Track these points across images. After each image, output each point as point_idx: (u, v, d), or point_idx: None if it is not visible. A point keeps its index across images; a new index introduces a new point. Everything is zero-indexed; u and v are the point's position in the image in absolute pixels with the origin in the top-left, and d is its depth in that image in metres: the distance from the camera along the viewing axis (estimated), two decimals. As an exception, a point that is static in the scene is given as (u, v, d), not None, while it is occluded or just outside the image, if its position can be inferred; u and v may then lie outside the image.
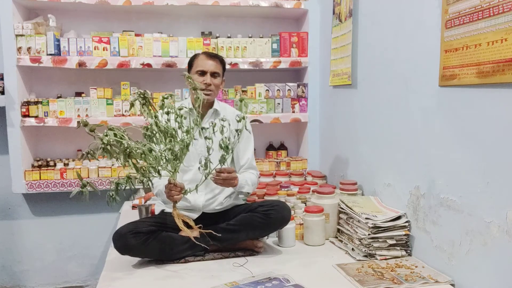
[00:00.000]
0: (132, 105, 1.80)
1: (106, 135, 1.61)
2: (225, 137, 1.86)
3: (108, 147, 1.60)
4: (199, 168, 1.87)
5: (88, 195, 1.68)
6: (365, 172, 2.45)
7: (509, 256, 1.42)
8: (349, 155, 2.66)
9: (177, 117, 1.79)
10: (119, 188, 1.69)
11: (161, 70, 3.00)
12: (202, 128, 1.88)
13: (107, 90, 2.92)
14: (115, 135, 1.62)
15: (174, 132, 1.76)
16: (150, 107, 1.78)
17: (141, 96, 1.76)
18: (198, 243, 1.88)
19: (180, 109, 1.80)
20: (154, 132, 1.73)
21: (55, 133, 3.05)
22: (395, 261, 1.89)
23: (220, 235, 1.91)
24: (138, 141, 1.72)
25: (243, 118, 1.91)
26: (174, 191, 1.83)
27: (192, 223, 1.85)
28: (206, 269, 1.88)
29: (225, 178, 1.97)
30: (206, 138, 1.84)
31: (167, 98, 1.80)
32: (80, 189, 1.67)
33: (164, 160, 1.74)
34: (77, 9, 2.98)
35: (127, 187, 1.72)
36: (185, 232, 1.83)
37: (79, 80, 3.07)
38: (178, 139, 1.77)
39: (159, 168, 1.75)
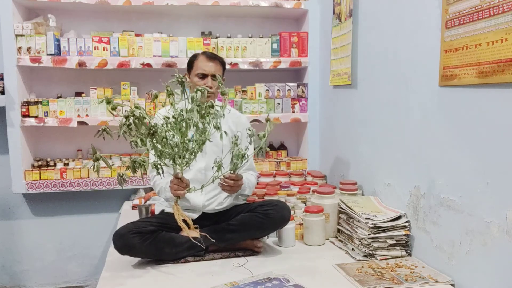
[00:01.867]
0: (156, 96, 1.78)
1: (133, 113, 1.60)
2: (244, 147, 1.86)
3: (133, 124, 1.60)
4: (212, 167, 1.87)
5: (99, 170, 1.67)
6: (365, 172, 2.45)
7: (509, 256, 1.42)
8: (349, 155, 2.66)
9: (207, 115, 1.77)
10: (135, 166, 1.67)
11: (161, 70, 3.00)
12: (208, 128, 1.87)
13: (107, 90, 2.92)
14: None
15: (198, 126, 1.75)
16: (184, 94, 1.76)
17: (178, 80, 1.74)
18: (197, 242, 1.87)
19: (211, 107, 1.78)
20: (180, 120, 1.71)
21: (55, 133, 3.05)
22: (395, 261, 1.89)
23: (214, 240, 1.91)
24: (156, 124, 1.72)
25: (264, 136, 1.87)
26: (179, 185, 1.83)
27: (190, 222, 1.85)
28: (206, 269, 1.89)
29: (232, 186, 1.96)
30: (236, 144, 1.85)
31: (201, 90, 1.78)
32: (93, 162, 1.66)
33: (182, 150, 1.73)
34: (77, 9, 2.98)
35: (135, 175, 1.71)
36: (185, 231, 1.83)
37: (79, 80, 3.07)
38: (197, 135, 1.76)
39: (175, 156, 1.74)
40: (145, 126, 1.63)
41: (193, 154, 1.77)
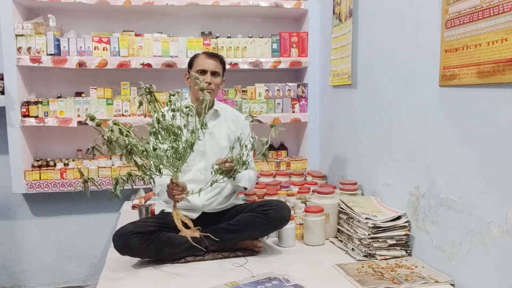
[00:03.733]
0: (141, 103, 1.77)
1: (111, 130, 1.60)
2: (244, 151, 1.86)
3: (111, 142, 1.59)
4: (211, 172, 1.87)
5: (89, 191, 1.67)
6: (365, 172, 2.45)
7: (509, 256, 1.42)
8: (349, 155, 2.66)
9: (184, 116, 1.77)
10: (118, 185, 1.68)
11: (161, 70, 3.00)
12: (201, 127, 1.86)
13: (107, 90, 2.92)
14: (120, 130, 1.61)
15: (179, 131, 1.74)
16: (156, 103, 1.75)
17: (147, 91, 1.74)
18: (195, 244, 1.87)
19: (187, 107, 1.79)
20: (160, 129, 1.72)
21: (55, 133, 3.05)
22: (395, 261, 1.89)
23: (218, 239, 1.91)
24: (143, 137, 1.71)
25: (267, 142, 1.84)
26: (176, 190, 1.83)
27: (190, 224, 1.84)
28: (206, 269, 1.89)
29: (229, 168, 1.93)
30: (231, 148, 1.86)
31: (173, 95, 1.78)
32: (82, 184, 1.66)
33: (166, 159, 1.73)
34: (77, 9, 2.98)
35: (127, 184, 1.70)
36: (184, 232, 1.83)
37: (79, 80, 3.07)
38: (183, 139, 1.76)
39: (161, 167, 1.74)
40: (119, 145, 1.61)
41: (181, 159, 1.76)
